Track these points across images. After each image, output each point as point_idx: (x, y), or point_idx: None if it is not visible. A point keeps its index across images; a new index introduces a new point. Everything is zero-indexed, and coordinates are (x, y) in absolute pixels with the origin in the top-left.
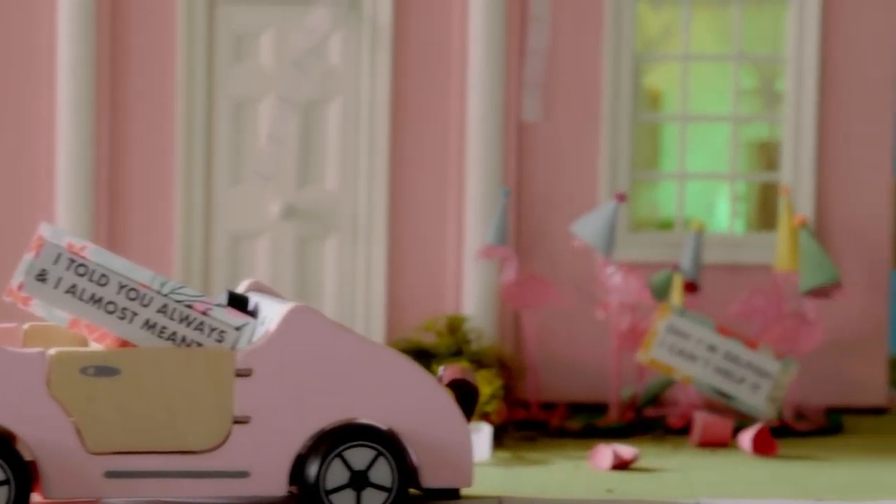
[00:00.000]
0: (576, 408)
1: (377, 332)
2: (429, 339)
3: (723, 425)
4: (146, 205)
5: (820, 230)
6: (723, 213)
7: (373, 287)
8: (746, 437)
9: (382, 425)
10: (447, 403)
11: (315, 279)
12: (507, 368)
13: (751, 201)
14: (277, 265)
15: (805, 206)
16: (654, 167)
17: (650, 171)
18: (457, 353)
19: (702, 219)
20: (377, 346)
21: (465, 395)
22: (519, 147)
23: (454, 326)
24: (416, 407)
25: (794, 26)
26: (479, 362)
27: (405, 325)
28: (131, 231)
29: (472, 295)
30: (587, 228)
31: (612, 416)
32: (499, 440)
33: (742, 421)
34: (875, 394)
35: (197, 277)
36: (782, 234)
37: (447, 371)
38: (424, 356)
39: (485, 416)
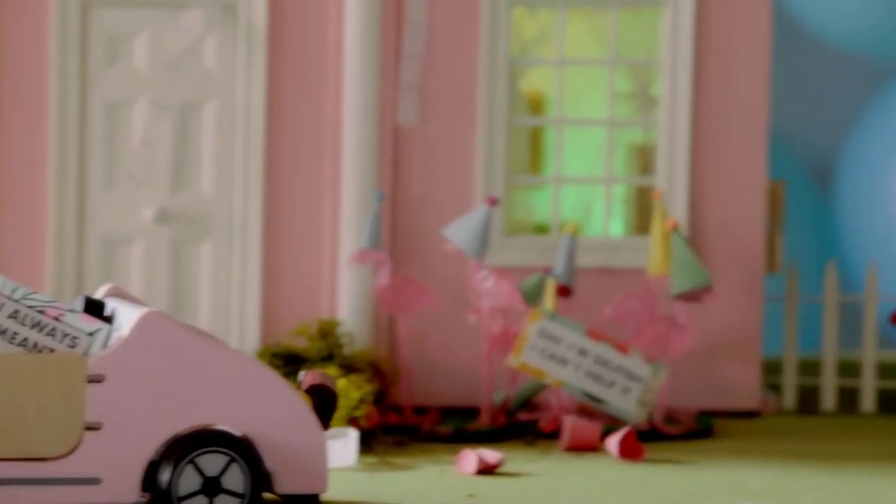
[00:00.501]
0: (449, 412)
1: (252, 337)
2: (301, 344)
3: (591, 429)
4: (18, 208)
5: (694, 233)
6: (599, 216)
7: (248, 291)
8: (613, 442)
9: (236, 431)
10: (302, 409)
11: (190, 284)
12: (381, 372)
13: (629, 205)
14: (152, 270)
15: (680, 210)
16: (538, 171)
17: (525, 175)
18: (328, 357)
19: (579, 222)
20: (232, 352)
21: (324, 401)
22: (394, 151)
23: (326, 331)
24: (271, 413)
25: (669, 30)
26: (350, 366)
27: (281, 330)
28: (3, 235)
29: (347, 299)
30: (459, 233)
31: (484, 421)
32: (368, 445)
33: (613, 425)
34: (747, 397)
35: (70, 282)
36: (655, 238)
37: (307, 377)
38: (296, 361)
39: (354, 421)
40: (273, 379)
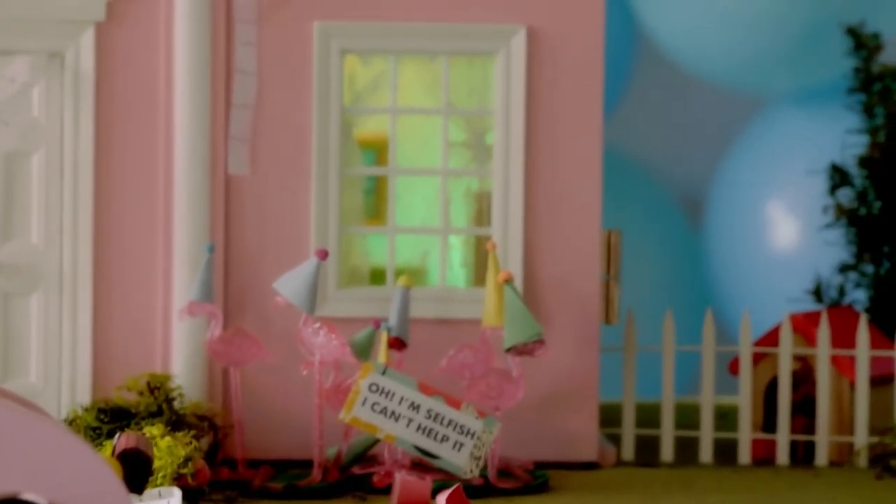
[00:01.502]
0: (284, 465)
1: (84, 391)
2: (131, 398)
3: (421, 486)
4: None
5: (529, 284)
6: (436, 266)
7: (79, 345)
8: (442, 498)
9: (42, 499)
10: (108, 475)
11: (20, 336)
12: (214, 426)
13: (468, 254)
14: None
15: (515, 260)
16: (384, 217)
17: (360, 225)
18: (157, 412)
19: (416, 272)
20: (34, 417)
21: (136, 466)
22: (227, 201)
23: (156, 385)
24: (76, 479)
25: (502, 79)
26: (180, 421)
27: (112, 384)
28: None
29: (180, 352)
30: (289, 286)
31: (316, 476)
32: (195, 503)
33: (447, 480)
34: (586, 449)
35: None
36: (489, 290)
37: (121, 440)
38: (124, 416)
39: (181, 479)
40: (77, 444)
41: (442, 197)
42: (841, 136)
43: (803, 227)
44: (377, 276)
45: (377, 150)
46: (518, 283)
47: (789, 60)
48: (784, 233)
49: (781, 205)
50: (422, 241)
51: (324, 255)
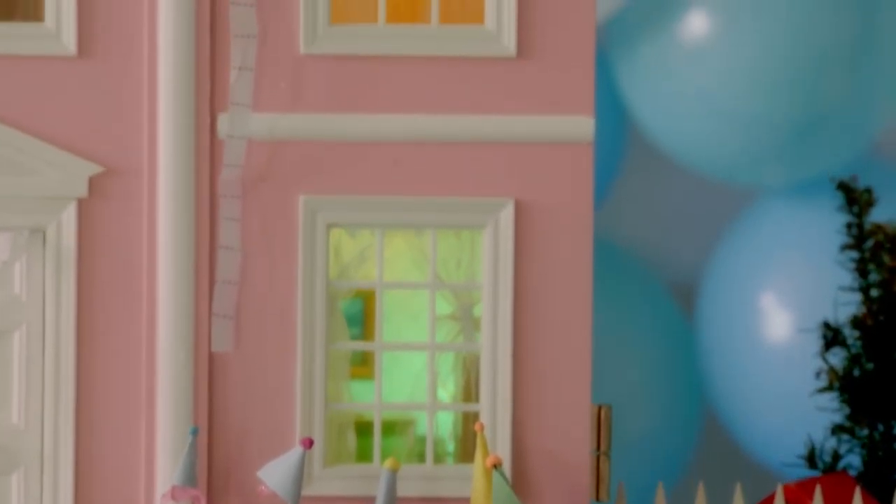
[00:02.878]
0: None
1: None
2: None
3: None
4: None
5: (517, 458)
6: (423, 443)
7: None
8: None
9: None
10: None
11: None
12: None
13: (457, 430)
14: None
15: (502, 435)
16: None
17: (345, 402)
18: None
19: (404, 423)
20: None
21: None
22: (210, 380)
23: None
24: None
25: (490, 253)
26: None
27: None
28: None
29: None
30: (274, 475)
31: None
32: None
33: None
34: None
35: None
36: (476, 474)
37: None
38: None
39: None
40: None
41: (430, 373)
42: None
43: (796, 319)
44: (363, 428)
45: (364, 300)
46: (506, 457)
47: (780, 154)
48: (777, 324)
49: (774, 296)
50: (410, 388)
51: (309, 444)
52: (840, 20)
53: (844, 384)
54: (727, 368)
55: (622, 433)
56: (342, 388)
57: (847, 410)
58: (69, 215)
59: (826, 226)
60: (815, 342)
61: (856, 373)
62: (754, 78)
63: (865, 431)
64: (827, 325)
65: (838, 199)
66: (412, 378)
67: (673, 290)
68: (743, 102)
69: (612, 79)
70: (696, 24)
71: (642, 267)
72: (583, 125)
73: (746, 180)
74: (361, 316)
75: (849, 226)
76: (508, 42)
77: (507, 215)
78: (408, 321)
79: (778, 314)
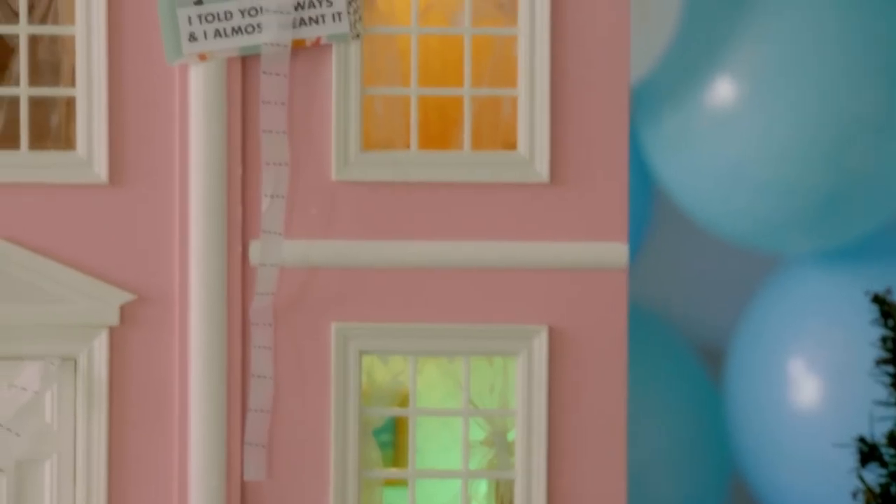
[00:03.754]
0: None
1: None
2: None
3: None
4: None
5: None
6: None
7: None
8: None
9: None
10: None
11: None
12: None
13: None
14: None
15: None
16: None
17: None
18: None
19: None
20: None
21: None
22: None
23: None
24: None
25: (523, 379)
26: None
27: None
28: None
29: None
30: None
31: None
32: None
33: None
34: None
35: None
36: None
37: None
38: None
39: None
40: None
41: (464, 499)
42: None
43: (825, 386)
44: None
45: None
46: None
47: (808, 222)
48: (806, 390)
49: (803, 362)
50: None
51: None
52: (868, 89)
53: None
54: (755, 434)
55: (649, 498)
56: None
57: None
58: (100, 343)
59: (854, 294)
60: (845, 411)
61: (893, 490)
62: (782, 146)
63: None
64: (863, 441)
65: (873, 312)
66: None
67: (701, 354)
68: (770, 170)
69: (638, 145)
70: (723, 92)
71: (670, 331)
72: (617, 251)
73: (774, 247)
74: (393, 438)
75: (884, 339)
76: (541, 168)
77: (540, 342)
78: (441, 446)
79: (807, 380)
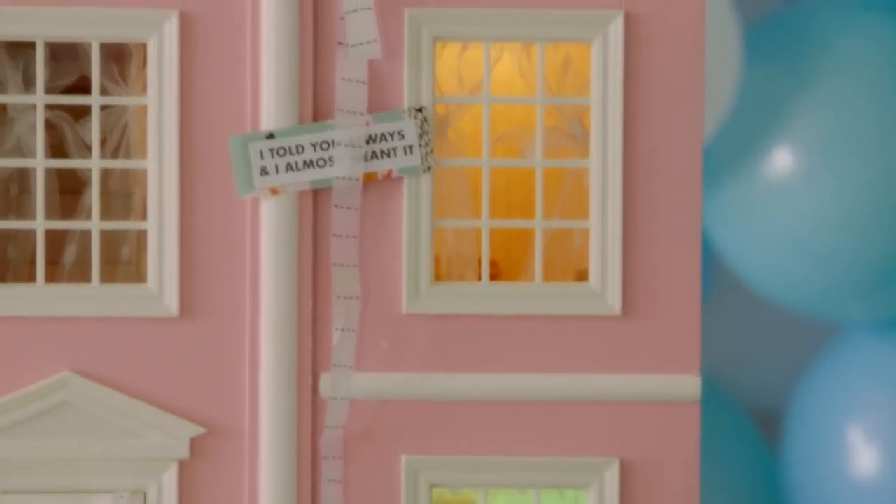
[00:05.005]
0: None
1: None
2: None
3: None
4: None
5: None
6: None
7: None
8: None
9: None
10: None
11: None
12: None
13: None
14: None
15: None
16: None
17: None
18: None
19: None
20: None
21: None
22: None
23: None
24: None
25: None
26: None
27: None
28: None
29: None
30: None
31: None
32: None
33: None
34: None
35: None
36: None
37: None
38: None
39: None
40: None
41: None
42: None
43: (883, 455)
44: None
45: None
46: None
47: (866, 291)
48: (864, 460)
49: (861, 431)
50: None
51: None
52: None
53: None
54: (813, 501)
55: None
56: None
57: None
58: (170, 477)
59: None
60: None
61: None
62: (840, 216)
63: None
64: None
65: None
66: None
67: (758, 420)
68: (829, 240)
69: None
70: (782, 162)
71: (727, 397)
72: (689, 384)
73: (832, 316)
74: None
75: None
76: (613, 301)
77: (612, 474)
78: None
79: (865, 449)
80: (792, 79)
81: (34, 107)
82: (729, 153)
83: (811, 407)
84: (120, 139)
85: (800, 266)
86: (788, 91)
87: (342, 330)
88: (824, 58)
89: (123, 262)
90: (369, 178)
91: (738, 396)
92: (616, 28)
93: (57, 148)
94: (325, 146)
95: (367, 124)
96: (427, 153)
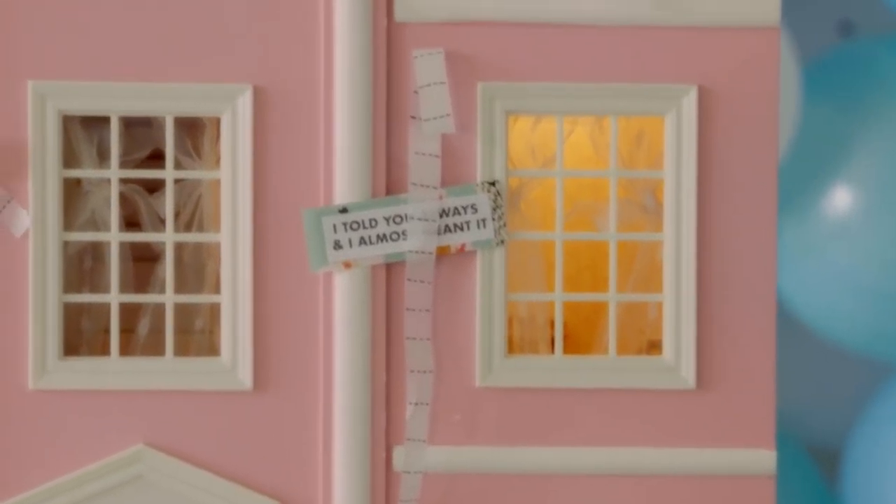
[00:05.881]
0: None
1: None
2: None
3: None
4: None
5: None
6: None
7: None
8: None
9: None
10: None
11: None
12: None
13: None
14: None
15: None
16: None
17: None
18: None
19: None
20: None
21: None
22: None
23: None
24: None
25: None
26: None
27: None
28: None
29: None
30: None
31: None
32: None
33: None
34: None
35: None
36: None
37: None
38: None
39: None
40: None
41: None
42: None
43: None
44: None
45: None
46: None
47: None
48: None
49: None
50: None
51: None
52: None
53: None
54: None
55: None
56: None
57: None
58: None
59: None
60: None
61: None
62: None
63: None
64: None
65: None
66: None
67: (817, 459)
68: (886, 278)
69: None
70: (841, 202)
71: (786, 435)
72: (763, 459)
73: (889, 354)
74: None
75: None
76: (687, 374)
77: None
78: None
79: None
80: (851, 116)
81: (108, 180)
82: (788, 193)
83: (870, 444)
84: (193, 212)
85: (858, 305)
86: (847, 129)
87: (415, 404)
88: (883, 94)
89: (197, 331)
90: (442, 252)
91: (797, 434)
92: (690, 102)
93: (130, 218)
94: (398, 220)
95: (441, 198)
96: (500, 226)
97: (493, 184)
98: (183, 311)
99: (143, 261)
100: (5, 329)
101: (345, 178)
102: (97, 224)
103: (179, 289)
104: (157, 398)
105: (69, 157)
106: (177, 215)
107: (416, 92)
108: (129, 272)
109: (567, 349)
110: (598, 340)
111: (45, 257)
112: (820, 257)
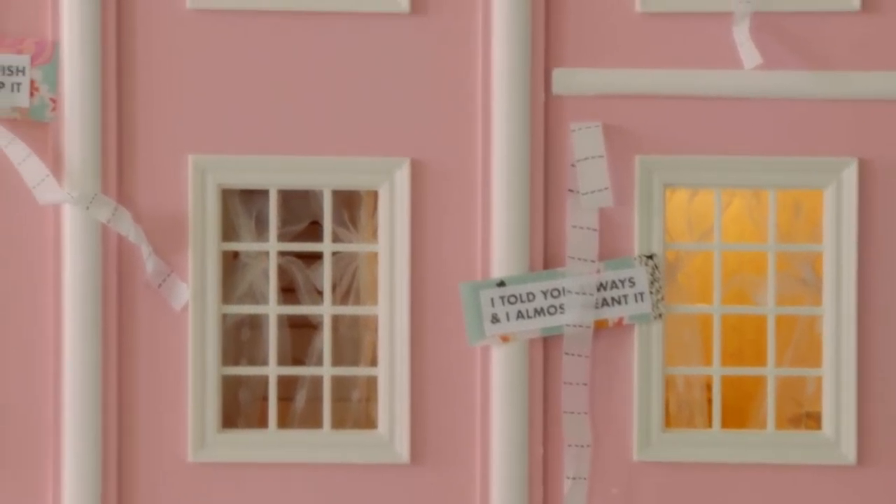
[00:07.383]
0: None
1: None
2: None
3: None
4: None
5: None
6: None
7: None
8: None
9: None
10: None
11: None
12: None
13: None
14: None
15: None
16: None
17: None
18: None
19: None
20: None
21: None
22: None
23: None
24: None
25: None
26: None
27: None
28: None
29: None
30: None
31: None
32: None
33: None
34: None
35: None
36: None
37: None
38: None
39: None
40: None
41: None
42: None
43: None
44: None
45: None
46: None
47: None
48: None
49: None
50: None
51: None
52: None
53: None
54: None
55: None
56: None
57: None
58: None
59: None
60: None
61: None
62: None
63: None
64: None
65: None
66: None
67: None
68: None
69: None
70: None
71: None
72: None
73: None
74: None
75: None
76: (848, 450)
77: None
78: None
79: None
80: None
81: (266, 253)
82: None
83: None
84: (350, 284)
85: None
86: None
87: (573, 478)
88: None
89: (353, 401)
90: (600, 326)
91: None
92: (850, 174)
93: (286, 285)
94: (555, 294)
95: (598, 271)
96: (658, 300)
97: (650, 257)
98: (340, 381)
99: (299, 327)
100: (166, 401)
101: (502, 252)
102: (255, 296)
103: (336, 360)
104: (315, 471)
105: (227, 230)
106: (333, 287)
107: (573, 165)
108: (285, 338)
109: (723, 421)
110: (755, 413)
111: (205, 330)
112: None
